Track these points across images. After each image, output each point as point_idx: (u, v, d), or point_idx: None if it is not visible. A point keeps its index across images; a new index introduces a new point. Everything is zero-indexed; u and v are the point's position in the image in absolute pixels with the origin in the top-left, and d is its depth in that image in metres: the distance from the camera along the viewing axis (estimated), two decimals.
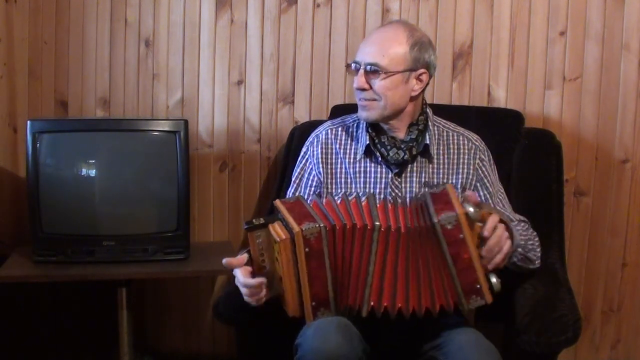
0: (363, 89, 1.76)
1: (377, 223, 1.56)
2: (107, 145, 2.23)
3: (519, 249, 1.71)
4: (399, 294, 1.58)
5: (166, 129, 2.22)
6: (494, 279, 1.57)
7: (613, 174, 2.46)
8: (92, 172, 2.21)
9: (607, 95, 2.42)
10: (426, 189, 1.79)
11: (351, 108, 2.05)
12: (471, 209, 1.53)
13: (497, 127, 2.22)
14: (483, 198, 1.83)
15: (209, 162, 2.54)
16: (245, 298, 1.64)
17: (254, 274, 1.62)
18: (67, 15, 2.46)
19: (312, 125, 2.14)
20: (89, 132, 2.24)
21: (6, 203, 2.47)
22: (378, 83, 1.75)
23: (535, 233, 1.84)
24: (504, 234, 1.59)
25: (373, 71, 1.74)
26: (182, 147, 2.20)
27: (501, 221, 1.60)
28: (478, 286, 1.56)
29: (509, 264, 1.69)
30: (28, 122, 2.16)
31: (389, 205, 1.63)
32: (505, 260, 1.62)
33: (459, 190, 1.81)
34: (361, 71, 1.76)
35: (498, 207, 1.83)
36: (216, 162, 2.54)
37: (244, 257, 1.63)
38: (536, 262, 1.81)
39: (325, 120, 2.06)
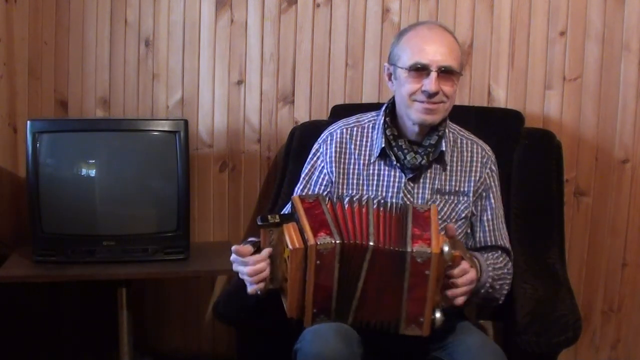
0: (436, 93, 1.70)
1: (372, 244, 1.54)
2: (107, 145, 2.23)
3: (482, 291, 1.70)
4: (370, 307, 1.58)
5: (166, 129, 2.22)
6: (438, 314, 1.56)
7: (613, 174, 2.46)
8: (92, 172, 2.21)
9: (607, 95, 2.41)
10: (436, 197, 1.79)
11: (351, 108, 2.05)
12: (446, 249, 1.51)
13: (497, 127, 2.22)
14: (484, 208, 1.83)
15: (209, 162, 2.54)
16: (248, 282, 1.61)
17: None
18: (67, 15, 2.46)
19: (312, 125, 2.14)
20: (89, 132, 2.24)
21: (6, 203, 2.47)
22: (451, 86, 1.72)
23: (509, 269, 1.81)
24: (471, 281, 1.58)
25: (447, 73, 1.70)
26: (182, 147, 2.20)
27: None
28: (421, 319, 1.55)
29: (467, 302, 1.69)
30: (28, 122, 2.16)
31: (381, 211, 1.61)
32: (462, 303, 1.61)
33: (470, 200, 1.81)
34: (434, 74, 1.69)
35: (493, 224, 1.82)
36: (216, 162, 2.54)
37: (249, 248, 1.61)
38: (500, 300, 1.79)
39: (326, 121, 2.06)
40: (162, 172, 2.23)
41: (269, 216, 1.58)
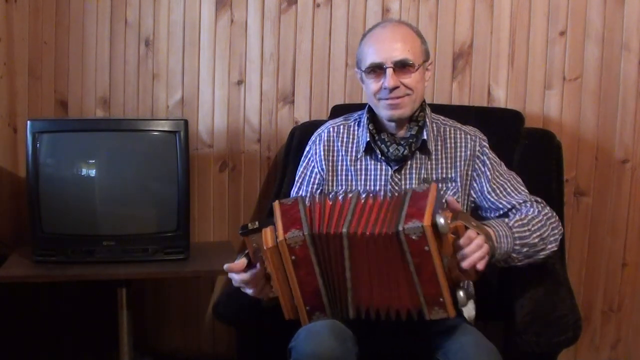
0: (395, 87, 1.76)
1: (345, 230, 1.52)
2: (107, 145, 2.23)
3: (513, 255, 1.68)
4: (375, 297, 1.57)
5: (166, 129, 2.22)
6: (461, 294, 1.52)
7: (613, 174, 2.46)
8: (92, 172, 2.21)
9: (607, 95, 2.42)
10: (423, 185, 1.79)
11: (351, 108, 2.06)
12: (441, 220, 1.45)
13: (497, 127, 2.22)
14: (481, 186, 1.83)
15: (209, 162, 2.54)
16: (248, 291, 1.63)
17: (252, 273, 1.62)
18: (67, 15, 2.46)
19: (312, 125, 2.14)
20: (89, 132, 2.24)
21: (6, 203, 2.47)
22: (410, 77, 1.77)
23: (546, 214, 1.78)
24: (479, 246, 1.52)
25: (404, 66, 1.76)
26: (182, 147, 2.20)
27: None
28: (441, 299, 1.52)
29: (513, 263, 1.70)
30: (28, 122, 2.16)
31: (370, 200, 1.58)
32: (484, 268, 1.56)
33: (459, 185, 1.82)
34: (390, 70, 1.75)
35: (498, 194, 1.82)
36: (216, 162, 2.54)
37: (242, 261, 1.62)
38: (549, 246, 1.76)
39: (326, 120, 2.06)
40: (162, 172, 2.23)
41: (249, 224, 1.60)
